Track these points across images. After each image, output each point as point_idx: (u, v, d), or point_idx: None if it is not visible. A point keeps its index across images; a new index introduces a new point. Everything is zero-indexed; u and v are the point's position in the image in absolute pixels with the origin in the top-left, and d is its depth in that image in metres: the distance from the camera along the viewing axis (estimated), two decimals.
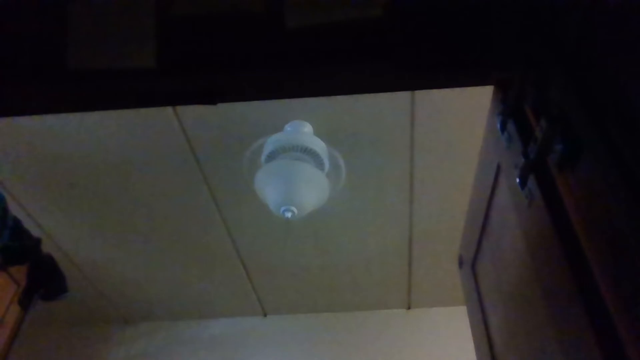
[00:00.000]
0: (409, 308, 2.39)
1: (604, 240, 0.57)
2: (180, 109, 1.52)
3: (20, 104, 1.01)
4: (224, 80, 0.93)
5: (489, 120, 0.96)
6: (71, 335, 2.47)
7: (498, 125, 0.88)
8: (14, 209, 1.62)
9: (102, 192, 1.80)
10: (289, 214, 1.50)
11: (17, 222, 1.55)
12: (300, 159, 1.52)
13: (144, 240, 2.02)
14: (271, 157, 1.55)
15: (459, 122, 1.53)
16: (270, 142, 1.55)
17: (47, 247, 1.74)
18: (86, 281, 2.21)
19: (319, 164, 1.56)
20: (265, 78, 0.92)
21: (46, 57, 0.92)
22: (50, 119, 1.55)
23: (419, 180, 1.73)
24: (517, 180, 0.77)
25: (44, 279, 1.66)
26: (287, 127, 1.56)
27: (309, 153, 1.53)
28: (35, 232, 1.70)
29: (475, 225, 1.06)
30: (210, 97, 0.95)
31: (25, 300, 1.60)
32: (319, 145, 1.55)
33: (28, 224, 1.66)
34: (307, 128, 1.56)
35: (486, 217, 0.99)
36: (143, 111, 1.53)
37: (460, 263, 1.25)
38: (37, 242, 1.64)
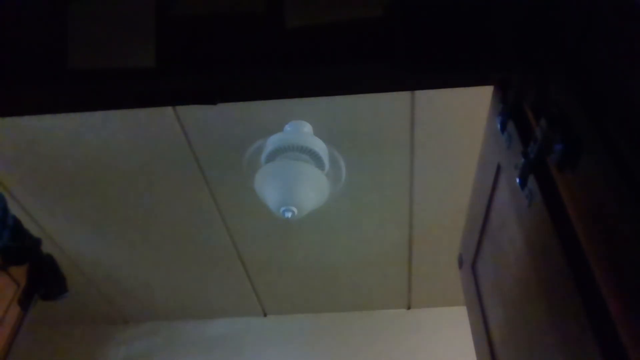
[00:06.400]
0: (409, 308, 2.39)
1: (604, 240, 0.57)
2: (180, 109, 1.52)
3: (20, 104, 1.01)
4: (224, 80, 0.93)
5: (489, 120, 0.96)
6: (71, 335, 2.47)
7: (498, 125, 0.88)
8: (14, 209, 1.61)
9: (102, 192, 1.80)
10: (289, 214, 1.50)
11: (17, 222, 1.55)
12: (300, 159, 1.52)
13: (144, 240, 2.02)
14: (271, 157, 1.55)
15: (459, 122, 1.53)
16: (270, 142, 1.55)
17: (47, 247, 1.74)
18: (86, 281, 2.21)
19: (319, 164, 1.56)
20: (265, 78, 0.92)
21: (46, 57, 0.92)
22: (50, 119, 1.55)
23: (419, 180, 1.73)
24: (517, 180, 0.77)
25: (44, 279, 1.66)
26: (287, 127, 1.56)
27: (309, 153, 1.53)
28: (35, 232, 1.70)
29: (475, 225, 1.06)
30: (210, 97, 0.95)
31: (25, 300, 1.60)
32: (319, 145, 1.55)
33: (28, 224, 1.66)
34: (307, 128, 1.56)
35: (486, 217, 0.99)
36: (143, 111, 1.53)
37: (460, 263, 1.25)
38: (37, 242, 1.64)
